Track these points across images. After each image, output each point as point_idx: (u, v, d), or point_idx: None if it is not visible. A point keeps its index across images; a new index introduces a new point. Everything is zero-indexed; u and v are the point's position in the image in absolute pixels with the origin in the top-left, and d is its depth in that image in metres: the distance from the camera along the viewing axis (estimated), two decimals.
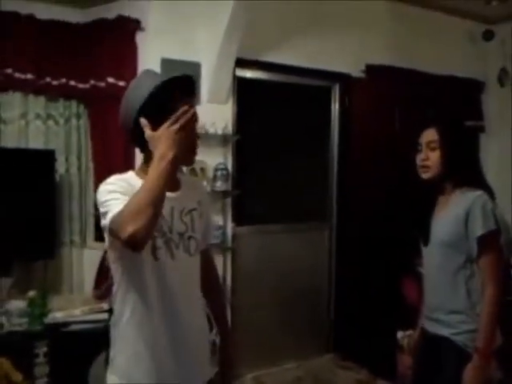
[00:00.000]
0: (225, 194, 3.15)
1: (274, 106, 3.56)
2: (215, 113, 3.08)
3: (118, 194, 1.27)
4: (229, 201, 3.23)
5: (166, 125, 1.24)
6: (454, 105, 3.88)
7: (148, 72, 1.43)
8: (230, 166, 3.19)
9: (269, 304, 3.59)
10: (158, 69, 2.93)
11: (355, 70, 3.68)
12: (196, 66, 3.01)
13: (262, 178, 3.55)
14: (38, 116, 2.99)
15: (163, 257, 1.36)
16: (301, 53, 3.45)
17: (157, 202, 1.19)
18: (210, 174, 3.09)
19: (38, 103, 3.00)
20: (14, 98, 2.93)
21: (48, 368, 2.57)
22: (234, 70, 3.16)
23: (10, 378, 2.24)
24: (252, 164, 3.49)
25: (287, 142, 3.62)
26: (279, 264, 3.61)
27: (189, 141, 1.33)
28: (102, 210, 1.28)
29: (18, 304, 2.68)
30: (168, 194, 1.26)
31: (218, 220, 3.14)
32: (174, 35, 2.94)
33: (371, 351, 3.30)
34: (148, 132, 1.28)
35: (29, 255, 2.91)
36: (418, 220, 1.93)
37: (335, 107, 3.77)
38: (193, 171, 3.03)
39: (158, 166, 1.21)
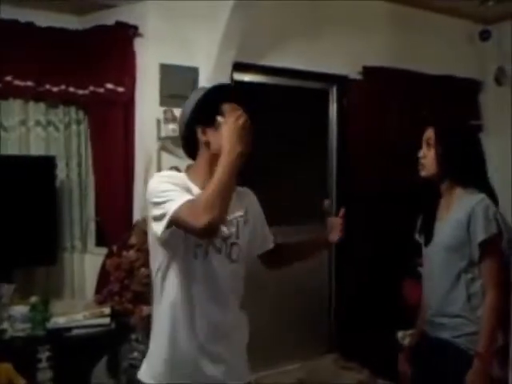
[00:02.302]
0: None
1: (271, 109, 3.57)
2: None
3: (176, 186, 1.34)
4: None
5: (232, 118, 1.35)
6: (452, 105, 3.90)
7: (201, 88, 1.55)
8: None
9: (269, 305, 3.59)
10: (156, 74, 2.97)
11: (352, 71, 3.70)
12: (194, 71, 3.04)
13: (259, 181, 3.55)
14: (38, 123, 3.01)
15: (201, 258, 1.41)
16: (298, 55, 3.47)
17: (227, 194, 1.29)
18: None
19: (38, 110, 3.02)
20: (15, 105, 2.95)
21: (51, 373, 2.58)
22: (232, 74, 3.19)
23: None
24: (249, 167, 3.49)
25: (285, 145, 3.63)
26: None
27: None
28: (157, 199, 1.32)
29: (20, 309, 2.70)
30: None
31: None
32: (172, 40, 2.96)
33: (373, 351, 3.31)
34: (221, 120, 1.38)
35: (30, 261, 2.93)
36: (421, 221, 1.95)
37: (333, 109, 3.79)
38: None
39: (228, 160, 1.30)
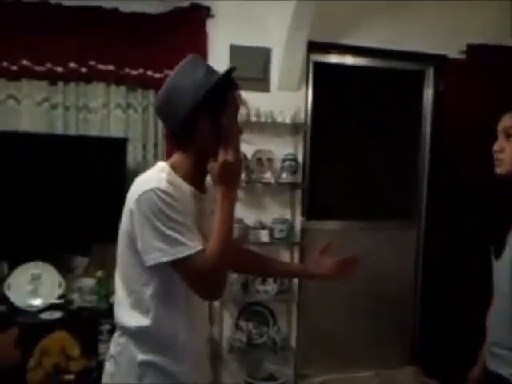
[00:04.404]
0: (293, 186, 3.00)
1: (356, 94, 3.31)
2: (286, 100, 2.95)
3: (179, 213, 1.19)
4: (298, 193, 3.06)
5: (218, 164, 1.24)
6: None
7: (196, 60, 1.37)
8: (300, 157, 3.03)
9: (343, 306, 3.36)
10: (227, 56, 2.89)
11: (453, 50, 3.24)
12: (266, 52, 2.90)
13: (340, 171, 3.33)
14: (118, 105, 3.13)
15: None
16: (387, 34, 3.14)
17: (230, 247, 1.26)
18: (278, 164, 2.96)
19: (118, 93, 3.13)
20: (98, 88, 3.10)
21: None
22: (308, 55, 2.98)
23: (67, 352, 2.39)
24: (330, 155, 3.28)
25: (371, 133, 3.34)
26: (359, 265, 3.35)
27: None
28: (162, 227, 1.17)
29: (89, 282, 2.86)
30: (203, 195, 1.35)
31: (284, 213, 3.00)
32: (244, 21, 2.86)
33: (458, 373, 2.90)
34: (222, 158, 1.25)
35: (105, 238, 3.06)
36: (493, 228, 1.61)
37: (428, 93, 3.37)
38: (259, 162, 2.93)
39: (225, 213, 1.25)
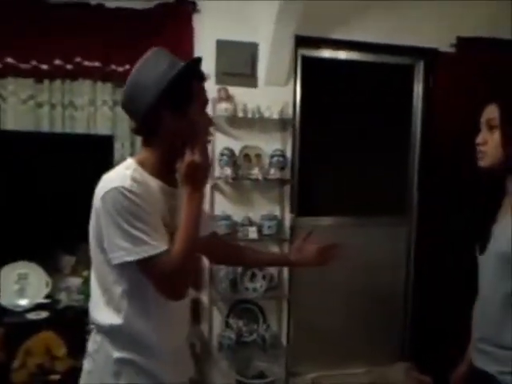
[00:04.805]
0: (282, 182, 2.97)
1: (346, 88, 3.27)
2: (274, 95, 2.92)
3: (143, 211, 1.17)
4: (287, 189, 3.03)
5: (184, 164, 1.23)
6: None
7: (160, 53, 1.34)
8: (288, 153, 3.00)
9: (334, 303, 3.34)
10: (213, 51, 2.86)
11: (443, 44, 3.20)
12: (253, 47, 2.87)
13: (329, 166, 3.29)
14: (105, 102, 3.10)
15: None
16: (377, 28, 3.10)
17: (195, 248, 1.25)
18: (266, 160, 2.93)
19: (105, 90, 3.09)
20: (84, 85, 3.06)
21: None
22: (296, 50, 2.95)
23: (52, 352, 2.36)
24: (320, 151, 3.24)
25: (361, 128, 3.30)
26: (347, 260, 3.32)
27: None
28: (126, 226, 1.15)
29: (76, 281, 2.82)
30: (175, 190, 1.32)
31: (273, 210, 2.98)
32: (230, 16, 2.83)
33: (452, 364, 2.88)
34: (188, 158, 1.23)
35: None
36: (478, 224, 1.58)
37: (418, 88, 3.34)
38: (247, 158, 2.90)
39: (190, 211, 1.23)
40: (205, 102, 1.32)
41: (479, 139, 1.50)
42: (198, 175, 1.24)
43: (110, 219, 1.17)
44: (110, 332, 1.28)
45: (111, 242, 1.19)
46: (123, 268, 1.21)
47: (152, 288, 1.23)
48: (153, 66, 1.27)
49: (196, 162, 1.22)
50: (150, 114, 1.24)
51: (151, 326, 1.28)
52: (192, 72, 1.28)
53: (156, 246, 1.17)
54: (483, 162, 1.48)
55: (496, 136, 1.43)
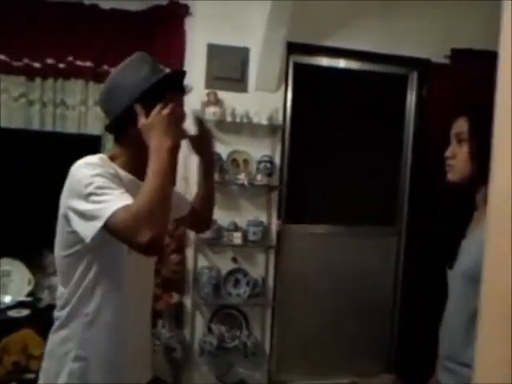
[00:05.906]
0: (270, 188, 2.95)
1: (339, 96, 3.26)
2: (263, 101, 2.91)
3: (110, 182, 1.16)
4: (274, 196, 3.02)
5: (155, 110, 1.19)
6: None
7: (144, 57, 1.34)
8: (277, 159, 2.98)
9: (320, 312, 3.31)
10: (204, 55, 2.85)
11: (437, 55, 3.19)
12: (244, 52, 2.86)
13: (320, 175, 3.27)
14: (96, 102, 3.10)
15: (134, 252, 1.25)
16: (371, 37, 3.09)
17: (168, 200, 1.15)
18: (254, 166, 2.92)
19: (97, 90, 3.10)
20: (76, 84, 3.08)
21: None
22: (288, 56, 2.95)
23: (28, 351, 2.35)
24: (310, 158, 3.23)
25: (352, 136, 3.29)
26: (335, 269, 3.31)
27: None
28: (90, 194, 1.13)
29: None
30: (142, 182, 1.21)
31: (259, 216, 2.96)
32: (222, 20, 2.83)
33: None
34: (143, 120, 1.20)
35: None
36: (446, 237, 1.56)
37: (411, 98, 3.32)
38: (235, 162, 2.89)
39: (158, 159, 1.14)
40: (179, 115, 1.28)
41: (448, 152, 1.46)
42: (165, 123, 1.18)
43: (74, 191, 1.18)
44: (70, 331, 1.29)
45: (79, 214, 1.16)
46: (77, 263, 1.24)
47: (104, 290, 1.25)
48: (135, 70, 1.28)
49: (161, 114, 1.19)
50: (122, 117, 1.25)
51: (111, 325, 1.29)
52: (172, 82, 1.28)
53: (117, 203, 1.11)
54: (451, 176, 1.46)
55: (464, 149, 1.41)
